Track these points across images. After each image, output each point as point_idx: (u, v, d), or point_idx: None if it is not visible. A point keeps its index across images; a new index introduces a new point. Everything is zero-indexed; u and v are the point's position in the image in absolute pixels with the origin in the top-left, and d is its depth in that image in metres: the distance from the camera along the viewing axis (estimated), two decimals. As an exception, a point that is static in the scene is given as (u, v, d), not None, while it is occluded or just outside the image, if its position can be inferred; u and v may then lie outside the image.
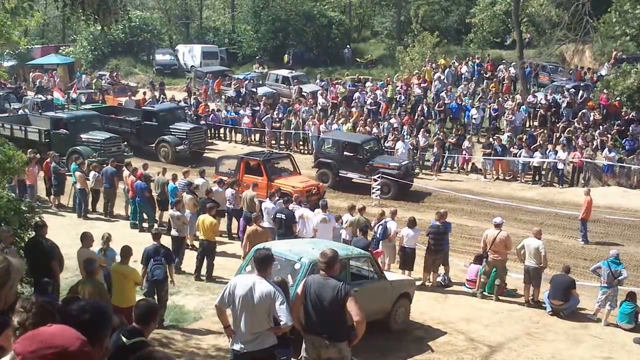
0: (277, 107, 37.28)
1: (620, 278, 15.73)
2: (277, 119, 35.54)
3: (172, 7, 64.80)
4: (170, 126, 32.48)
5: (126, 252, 12.40)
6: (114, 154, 27.82)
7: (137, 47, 56.50)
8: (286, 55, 53.54)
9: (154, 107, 34.63)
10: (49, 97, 40.12)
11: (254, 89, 42.05)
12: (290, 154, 28.62)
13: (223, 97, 42.04)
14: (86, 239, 13.51)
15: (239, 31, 58.64)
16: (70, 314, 4.04)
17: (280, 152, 31.38)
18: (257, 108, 36.96)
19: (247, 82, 42.93)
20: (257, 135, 36.33)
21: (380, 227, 17.88)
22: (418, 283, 16.76)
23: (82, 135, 29.16)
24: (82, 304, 4.17)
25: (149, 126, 32.35)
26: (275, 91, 42.73)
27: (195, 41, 58.99)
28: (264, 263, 8.41)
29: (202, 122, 35.67)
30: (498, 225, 16.97)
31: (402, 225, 18.10)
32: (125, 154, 29.37)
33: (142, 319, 6.80)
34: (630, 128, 30.54)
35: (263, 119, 35.04)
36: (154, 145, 32.29)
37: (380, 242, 17.79)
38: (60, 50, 57.23)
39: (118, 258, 13.23)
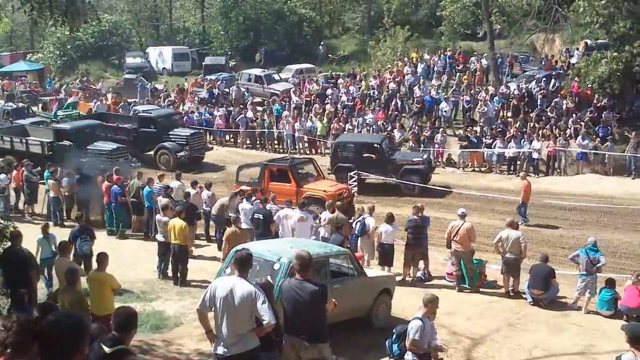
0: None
1: (598, 265, 15.82)
2: (252, 119, 35.40)
3: (142, 9, 64.40)
4: (169, 132, 31.65)
5: (102, 258, 12.22)
6: (122, 165, 26.33)
7: (107, 51, 56.10)
8: (258, 54, 53.37)
9: (150, 113, 33.59)
10: (21, 104, 39.43)
11: (226, 90, 41.81)
12: (313, 158, 27.28)
13: (196, 98, 41.79)
14: (65, 248, 13.38)
15: (209, 31, 58.42)
16: (46, 330, 3.95)
17: (302, 156, 30.03)
18: (231, 109, 36.85)
19: (219, 82, 42.69)
20: (229, 136, 36.24)
21: (359, 223, 17.84)
22: (398, 278, 16.75)
23: (87, 147, 28.14)
24: (56, 318, 4.07)
25: (147, 133, 31.39)
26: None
27: (166, 43, 58.70)
28: (244, 264, 8.35)
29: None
30: (462, 216, 17.02)
31: (381, 221, 18.06)
32: (133, 164, 28.23)
33: (122, 326, 6.70)
34: (603, 115, 30.75)
35: (237, 119, 34.88)
36: (152, 152, 31.42)
37: (359, 238, 17.74)
38: (28, 57, 56.67)
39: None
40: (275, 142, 34.93)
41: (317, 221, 18.52)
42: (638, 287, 15.00)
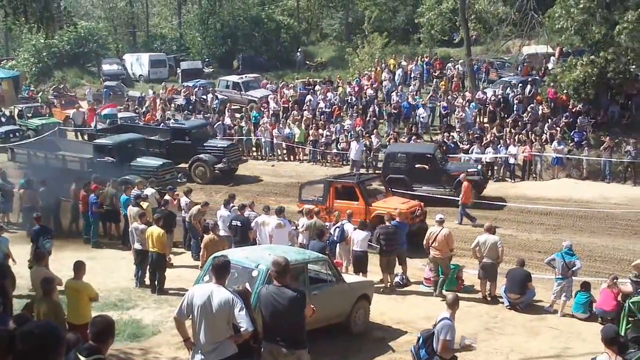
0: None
1: (574, 269, 15.96)
2: (230, 126, 35.34)
3: (118, 15, 64.15)
4: (204, 144, 30.46)
5: (78, 266, 12.12)
6: (169, 181, 25.81)
7: (84, 57, 55.76)
8: (235, 60, 53.30)
9: (184, 124, 32.30)
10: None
11: (204, 97, 41.71)
12: (380, 174, 25.53)
13: (173, 105, 41.65)
14: (41, 257, 13.30)
15: (186, 38, 58.31)
16: (19, 341, 3.94)
17: (369, 172, 28.18)
18: (209, 115, 36.77)
19: (196, 89, 42.58)
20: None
21: (338, 229, 17.86)
22: (378, 285, 16.79)
23: (131, 163, 26.88)
24: (29, 329, 4.06)
25: (181, 145, 30.05)
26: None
27: (143, 50, 58.47)
28: (221, 271, 8.36)
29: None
30: (440, 222, 17.09)
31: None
32: (179, 180, 27.38)
33: (98, 336, 6.65)
34: (578, 120, 31.06)
35: (215, 126, 34.80)
36: (187, 165, 29.98)
37: (338, 244, 17.75)
38: (1, 64, 56.20)
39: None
40: (254, 149, 34.90)
41: (295, 227, 18.51)
42: (613, 290, 15.15)
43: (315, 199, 22.32)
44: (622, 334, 10.37)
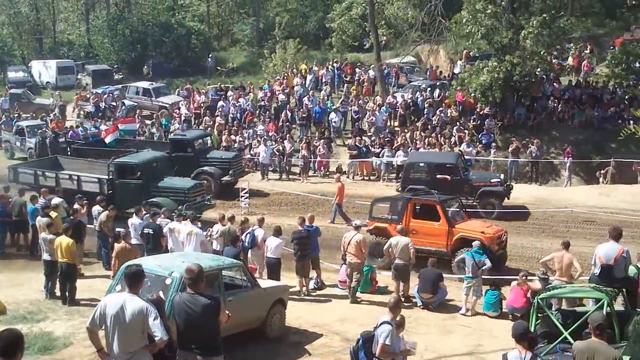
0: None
1: (483, 268, 16.37)
2: (140, 132, 34.84)
3: (23, 22, 62.40)
4: (207, 156, 28.76)
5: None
6: (199, 204, 24.32)
7: (-14, 65, 54.11)
8: (145, 66, 52.59)
9: (185, 135, 30.29)
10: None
11: (113, 103, 40.98)
12: (458, 195, 22.93)
13: (82, 112, 40.76)
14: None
15: (95, 44, 57.22)
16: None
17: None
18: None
19: (106, 96, 41.80)
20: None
21: (249, 235, 17.78)
22: (294, 290, 16.83)
23: (159, 184, 24.63)
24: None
25: (183, 157, 27.93)
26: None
27: (50, 56, 57.04)
28: (134, 280, 8.27)
29: (62, 139, 33.48)
30: (356, 228, 17.25)
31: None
32: (208, 203, 25.37)
33: (7, 350, 6.45)
34: (486, 123, 31.92)
35: (126, 133, 34.27)
36: (190, 178, 26.80)
37: (250, 250, 17.67)
38: None
39: None
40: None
41: (209, 234, 18.38)
42: (523, 288, 15.62)
43: (389, 218, 20.73)
44: (532, 329, 10.67)
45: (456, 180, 25.04)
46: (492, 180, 25.43)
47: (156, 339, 7.96)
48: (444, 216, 19.72)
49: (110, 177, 24.73)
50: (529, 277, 16.15)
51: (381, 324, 10.13)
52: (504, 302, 16.08)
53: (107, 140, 30.46)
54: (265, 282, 15.15)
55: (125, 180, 24.56)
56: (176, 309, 8.56)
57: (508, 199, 25.33)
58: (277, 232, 17.56)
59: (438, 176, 25.09)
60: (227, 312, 9.02)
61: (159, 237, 17.76)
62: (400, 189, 25.87)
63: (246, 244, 17.56)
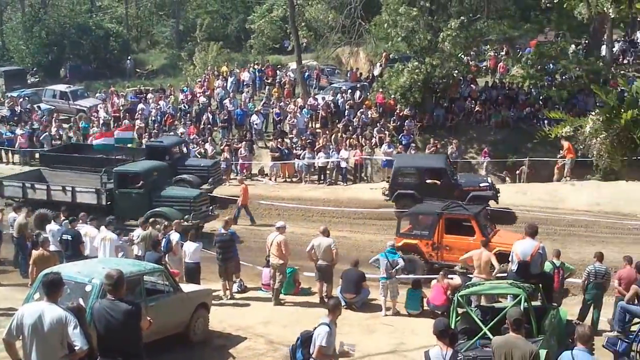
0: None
1: (397, 268, 16.52)
2: (57, 136, 34.12)
3: None
4: (185, 163, 27.56)
5: None
6: (204, 214, 23.51)
7: None
8: (63, 69, 51.52)
9: (162, 142, 28.70)
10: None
11: (28, 107, 39.93)
12: (486, 205, 22.21)
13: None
14: None
15: (9, 47, 55.72)
16: None
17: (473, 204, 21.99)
18: (36, 126, 35.28)
19: (21, 100, 40.70)
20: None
21: (164, 240, 17.57)
22: (217, 293, 16.76)
23: (161, 193, 23.38)
24: None
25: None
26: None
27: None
28: (53, 288, 8.12)
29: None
30: (278, 229, 17.22)
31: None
32: (211, 214, 24.19)
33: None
34: (406, 124, 32.37)
35: (41, 137, 33.46)
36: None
37: (167, 255, 17.44)
38: None
39: None
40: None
41: (130, 239, 18.16)
42: (443, 285, 15.95)
43: (419, 234, 19.49)
44: (453, 326, 10.90)
45: (446, 185, 24.57)
46: (481, 185, 25.05)
47: (76, 348, 7.84)
48: (479, 230, 18.52)
49: (110, 188, 23.47)
50: (449, 275, 16.47)
51: (320, 325, 10.17)
52: (425, 300, 16.38)
53: (96, 142, 28.68)
54: (188, 287, 15.06)
55: (126, 190, 23.32)
56: (96, 316, 8.44)
57: (497, 202, 24.82)
58: (194, 237, 17.46)
59: (428, 180, 24.68)
60: (149, 318, 8.95)
61: (78, 244, 17.40)
62: (388, 195, 25.46)
63: (162, 248, 17.19)
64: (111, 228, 17.71)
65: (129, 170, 24.01)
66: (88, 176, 25.21)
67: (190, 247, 17.07)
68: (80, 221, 18.75)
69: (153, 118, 36.27)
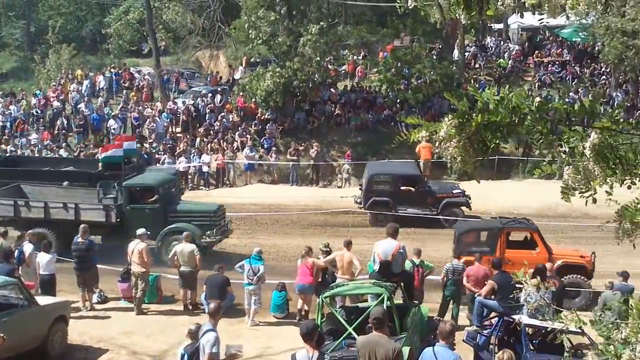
0: None
1: (258, 274, 16.41)
2: None
3: None
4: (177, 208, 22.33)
5: None
6: (224, 228, 21.56)
7: None
8: None
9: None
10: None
11: None
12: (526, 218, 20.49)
13: None
14: None
15: None
16: None
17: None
18: None
19: None
20: None
21: (17, 251, 16.72)
22: (76, 305, 16.14)
23: (177, 208, 21.30)
24: None
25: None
26: None
27: None
28: None
29: None
30: (139, 236, 16.79)
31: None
32: (228, 229, 22.22)
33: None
34: (267, 128, 32.47)
35: None
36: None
37: (20, 267, 16.58)
38: None
39: None
40: None
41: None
42: (307, 265, 15.93)
43: (478, 250, 17.70)
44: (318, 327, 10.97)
45: (420, 192, 24.77)
46: (454, 192, 25.26)
47: None
48: (542, 244, 18.08)
49: (119, 203, 21.00)
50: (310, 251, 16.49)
51: (205, 332, 10.04)
52: (294, 283, 16.35)
53: (104, 155, 24.02)
54: (44, 299, 14.43)
55: (138, 206, 20.93)
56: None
57: (470, 209, 24.97)
58: (47, 246, 16.65)
59: (402, 188, 24.71)
60: (2, 334, 8.50)
61: None
62: (362, 202, 25.33)
63: (15, 260, 16.35)
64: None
65: (142, 184, 21.56)
66: (79, 191, 22.61)
67: (44, 258, 16.21)
68: None
69: (2, 124, 34.60)
